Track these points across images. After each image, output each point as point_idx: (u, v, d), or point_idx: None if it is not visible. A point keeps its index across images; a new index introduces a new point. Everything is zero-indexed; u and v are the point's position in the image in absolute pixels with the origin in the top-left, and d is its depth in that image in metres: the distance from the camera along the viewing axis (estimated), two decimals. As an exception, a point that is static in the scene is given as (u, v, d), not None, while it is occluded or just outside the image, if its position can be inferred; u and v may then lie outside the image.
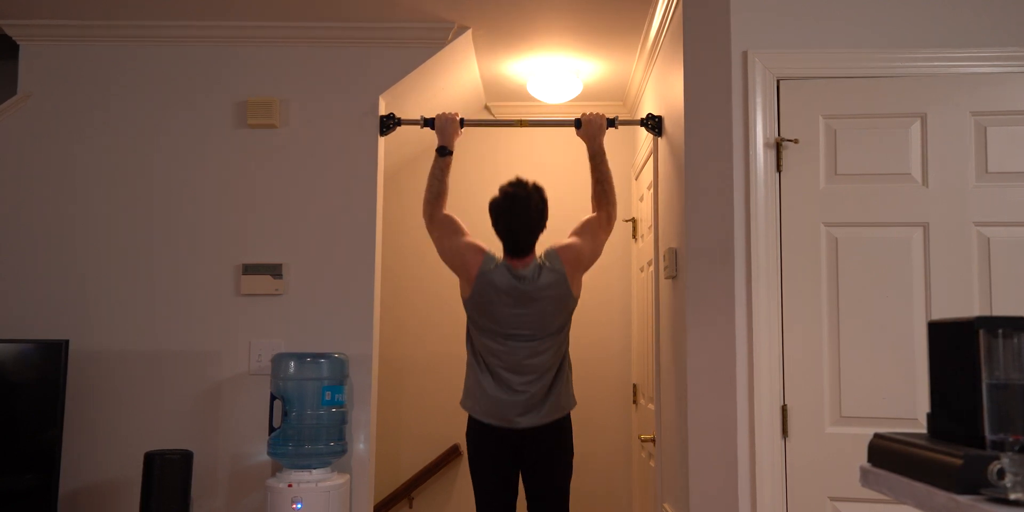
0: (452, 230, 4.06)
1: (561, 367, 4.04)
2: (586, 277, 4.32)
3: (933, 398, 1.72)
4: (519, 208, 3.94)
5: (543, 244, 4.05)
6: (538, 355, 3.95)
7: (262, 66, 4.44)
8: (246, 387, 4.27)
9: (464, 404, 4.08)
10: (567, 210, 4.93)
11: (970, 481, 1.41)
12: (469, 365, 4.09)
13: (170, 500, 3.78)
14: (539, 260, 3.98)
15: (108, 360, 4.27)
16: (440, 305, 5.74)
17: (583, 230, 4.10)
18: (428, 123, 4.23)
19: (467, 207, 4.67)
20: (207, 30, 4.41)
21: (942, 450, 1.52)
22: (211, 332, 4.29)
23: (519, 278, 3.92)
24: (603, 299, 5.76)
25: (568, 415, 4.08)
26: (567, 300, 4.01)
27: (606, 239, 4.13)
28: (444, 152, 4.13)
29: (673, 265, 3.89)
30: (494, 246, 4.03)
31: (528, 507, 4.08)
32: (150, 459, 3.80)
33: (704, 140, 3.56)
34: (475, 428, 4.05)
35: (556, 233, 4.20)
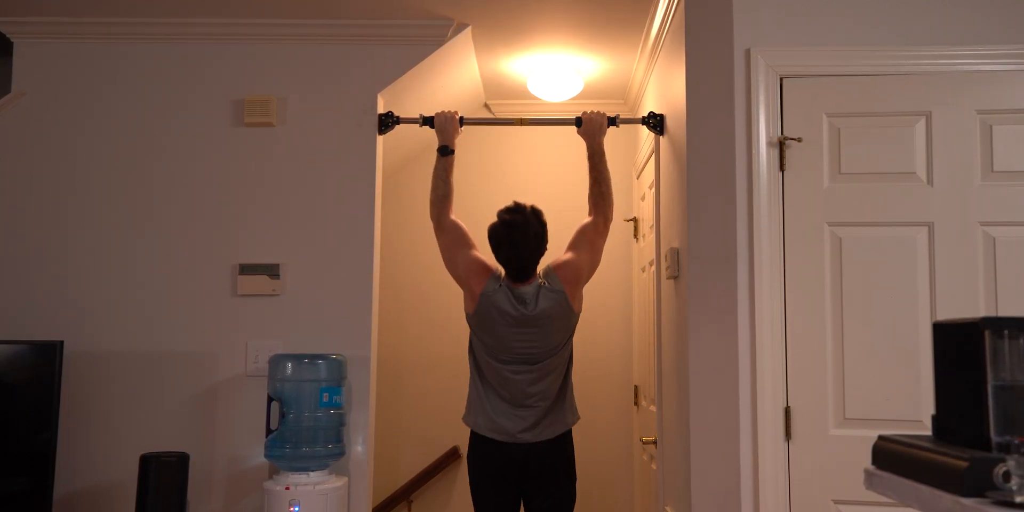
0: (460, 242, 4.04)
1: (564, 382, 4.04)
2: (588, 282, 4.30)
3: (938, 400, 1.71)
4: (518, 236, 3.92)
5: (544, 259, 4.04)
6: (541, 372, 3.94)
7: (259, 64, 4.41)
8: (243, 388, 4.24)
9: (466, 420, 4.06)
10: (567, 210, 4.91)
11: (975, 484, 1.40)
12: (472, 380, 4.07)
13: (166, 503, 3.76)
14: (539, 280, 3.97)
15: (103, 361, 4.25)
16: (439, 306, 5.73)
17: (580, 241, 4.07)
18: (427, 121, 4.21)
19: (467, 207, 4.65)
20: (203, 27, 4.39)
21: (947, 452, 1.51)
22: (208, 333, 4.27)
23: (520, 301, 3.90)
24: (604, 299, 5.73)
25: (570, 435, 4.06)
26: (568, 318, 4.01)
27: (603, 244, 4.11)
28: (446, 152, 4.10)
29: (675, 265, 3.87)
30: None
31: None
32: (146, 461, 3.78)
33: (706, 139, 3.55)
34: (477, 444, 4.02)
35: (557, 234, 4.16)
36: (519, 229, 3.92)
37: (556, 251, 4.10)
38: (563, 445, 4.02)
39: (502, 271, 4.00)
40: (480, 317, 3.95)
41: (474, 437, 4.03)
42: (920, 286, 3.37)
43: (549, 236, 4.03)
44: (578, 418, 4.09)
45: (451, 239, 4.03)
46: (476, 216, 4.31)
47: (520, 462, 3.94)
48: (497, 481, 3.99)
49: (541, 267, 4.02)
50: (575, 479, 4.08)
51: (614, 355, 5.76)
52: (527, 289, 3.92)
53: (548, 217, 4.03)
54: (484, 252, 4.05)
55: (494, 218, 3.98)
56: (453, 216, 4.07)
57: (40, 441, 3.90)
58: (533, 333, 3.91)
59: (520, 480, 3.97)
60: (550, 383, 3.96)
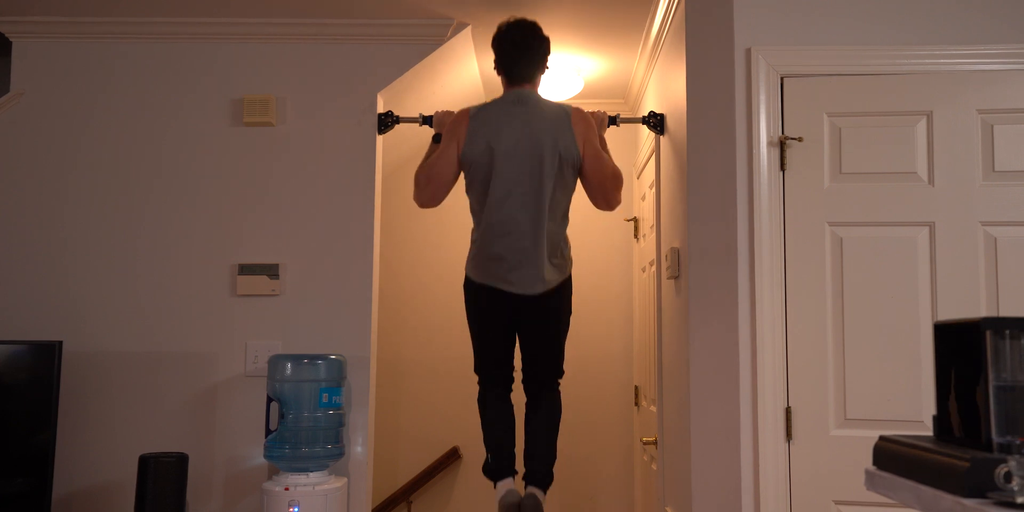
0: (447, 153, 3.94)
1: (560, 223, 3.92)
2: (587, 277, 4.30)
3: (939, 400, 1.71)
4: (527, 27, 3.95)
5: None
6: (530, 198, 3.80)
7: (259, 63, 4.41)
8: (242, 389, 4.24)
9: (467, 267, 4.00)
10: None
11: (977, 484, 1.40)
12: (472, 231, 3.98)
13: (165, 504, 3.75)
14: (546, 100, 3.94)
15: (102, 361, 4.24)
16: (439, 306, 5.72)
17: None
18: (427, 121, 4.20)
19: (466, 206, 4.63)
20: (202, 27, 4.38)
21: (948, 453, 1.50)
22: (207, 333, 4.26)
23: (517, 98, 3.87)
24: (604, 300, 5.72)
25: (568, 278, 3.98)
26: (566, 143, 3.84)
27: (613, 186, 3.96)
28: (439, 139, 4.04)
29: (675, 265, 3.86)
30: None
31: (523, 358, 4.03)
32: (145, 462, 3.77)
33: (707, 138, 3.54)
34: (471, 284, 3.98)
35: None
36: (528, 25, 3.95)
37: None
38: (560, 292, 3.95)
39: None
40: (471, 141, 3.85)
41: (468, 280, 4.00)
42: (921, 286, 3.36)
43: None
44: (571, 262, 4.01)
45: (442, 167, 3.95)
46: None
47: (514, 306, 3.89)
48: (492, 317, 3.96)
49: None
50: (570, 312, 4.03)
51: (614, 355, 5.75)
52: (525, 92, 3.91)
53: (550, 46, 4.04)
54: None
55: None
56: (444, 202, 4.04)
57: (39, 441, 3.89)
58: (528, 137, 3.80)
59: (514, 317, 3.94)
60: (545, 204, 3.80)
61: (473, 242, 3.96)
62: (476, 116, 3.89)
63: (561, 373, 4.05)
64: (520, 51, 3.93)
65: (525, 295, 3.84)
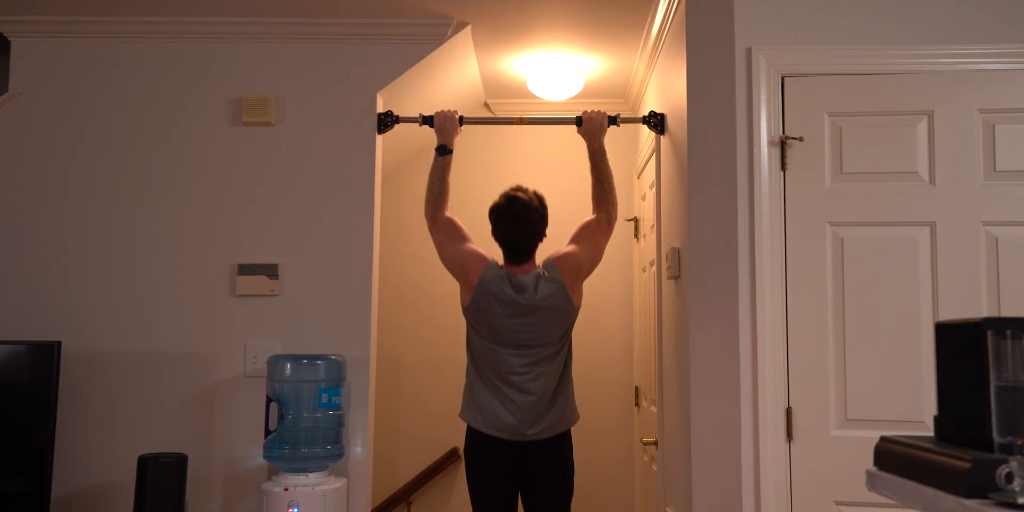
0: (455, 236, 4.02)
1: (563, 378, 4.01)
2: (587, 278, 4.24)
3: (940, 400, 1.70)
4: (520, 210, 3.95)
5: (543, 252, 4.02)
6: (538, 365, 3.91)
7: (258, 63, 4.40)
8: (241, 389, 4.23)
9: (463, 415, 4.03)
10: (567, 209, 4.92)
11: (978, 485, 1.40)
12: (468, 374, 4.05)
13: (164, 504, 3.74)
14: (538, 270, 3.96)
15: (101, 362, 4.23)
16: (439, 306, 5.71)
17: (582, 236, 4.05)
18: (427, 121, 4.20)
19: (466, 206, 4.64)
20: (202, 26, 4.37)
21: (949, 453, 1.50)
22: (206, 333, 4.25)
23: (518, 289, 3.89)
24: (605, 300, 5.72)
25: (569, 432, 4.04)
26: (567, 310, 3.98)
27: (606, 242, 4.08)
28: (444, 151, 4.08)
29: (676, 265, 3.86)
30: (494, 253, 3.99)
31: None
32: (144, 462, 3.76)
33: (707, 138, 3.54)
34: (474, 440, 4.00)
35: (557, 232, 4.17)
36: (521, 204, 3.95)
37: (557, 248, 4.07)
38: (561, 443, 4.00)
39: (499, 260, 3.99)
40: (476, 307, 3.93)
41: (470, 432, 4.01)
42: (922, 286, 3.36)
43: (550, 235, 4.04)
44: (578, 417, 4.07)
45: (446, 234, 4.02)
46: (475, 215, 4.31)
47: (518, 458, 3.93)
48: (496, 476, 3.97)
49: (541, 259, 4.01)
50: (573, 473, 4.06)
51: (615, 355, 5.74)
52: (526, 278, 3.91)
53: (548, 210, 4.05)
54: (481, 246, 4.03)
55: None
56: (448, 213, 4.06)
57: (38, 442, 3.88)
58: (531, 324, 3.88)
59: (518, 475, 3.96)
60: (548, 369, 3.92)
61: (471, 391, 4.04)
62: (483, 286, 3.91)
63: None
64: (517, 231, 3.97)
65: (528, 442, 3.91)
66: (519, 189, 4.02)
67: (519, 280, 3.90)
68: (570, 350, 4.07)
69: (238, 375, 4.23)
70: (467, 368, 4.06)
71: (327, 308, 4.26)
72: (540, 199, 4.02)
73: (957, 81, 3.44)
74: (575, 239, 4.05)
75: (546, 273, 3.93)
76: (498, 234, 3.99)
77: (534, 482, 3.96)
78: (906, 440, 1.68)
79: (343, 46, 4.40)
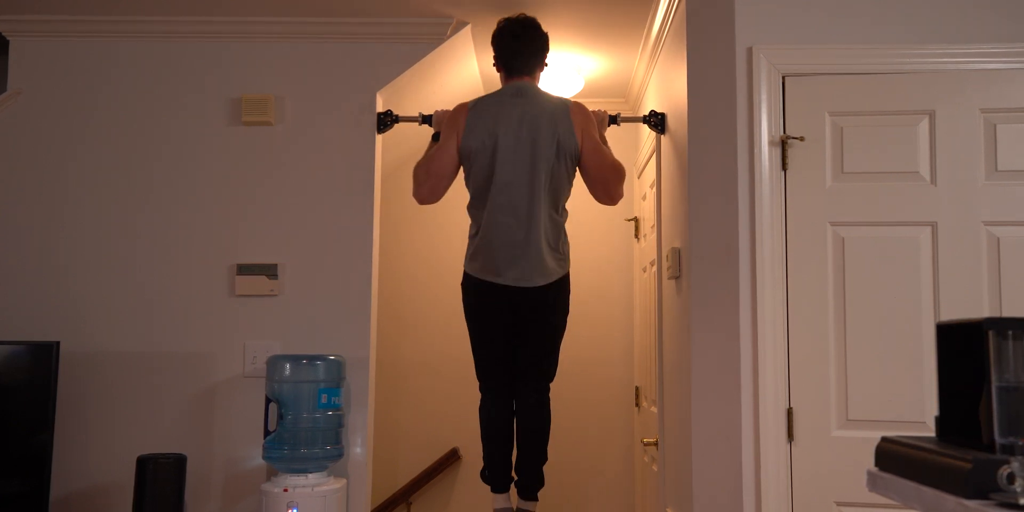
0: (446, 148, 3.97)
1: (559, 212, 3.94)
2: (587, 277, 4.28)
3: (941, 401, 1.69)
4: (524, 23, 4.00)
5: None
6: (527, 191, 3.82)
7: (257, 62, 4.39)
8: (241, 390, 4.22)
9: (465, 263, 4.02)
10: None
11: (979, 485, 1.39)
12: (470, 227, 4.02)
13: (163, 505, 3.74)
14: (545, 94, 3.97)
15: (100, 362, 4.22)
16: (439, 306, 5.70)
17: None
18: (426, 120, 4.19)
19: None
20: (201, 25, 4.37)
21: (951, 454, 1.49)
22: (205, 334, 4.25)
23: (516, 90, 3.90)
24: (605, 300, 5.71)
25: (567, 275, 4.00)
26: (564, 135, 3.86)
27: (615, 178, 3.98)
28: (439, 138, 4.05)
29: (676, 265, 3.85)
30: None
31: (516, 358, 4.03)
32: (143, 463, 3.75)
33: (708, 138, 3.53)
34: (469, 283, 4.00)
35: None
36: (529, 21, 4.01)
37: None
38: (558, 288, 3.96)
39: None
40: (470, 130, 3.88)
41: (467, 277, 4.01)
42: (923, 286, 3.35)
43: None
44: (568, 264, 4.02)
45: (441, 160, 3.98)
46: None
47: (513, 301, 3.90)
48: (491, 314, 3.97)
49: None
50: (567, 312, 4.04)
51: (615, 356, 5.73)
52: (525, 85, 3.94)
53: (548, 44, 4.09)
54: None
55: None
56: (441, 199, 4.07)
57: (36, 442, 3.88)
58: (527, 126, 3.83)
59: (514, 311, 3.94)
60: (542, 197, 3.82)
61: (471, 238, 3.97)
62: (475, 107, 3.93)
63: (552, 377, 4.04)
64: (519, 43, 3.98)
65: (523, 288, 3.85)
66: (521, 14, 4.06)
67: (517, 85, 3.94)
68: (567, 190, 3.96)
69: (237, 375, 4.23)
70: (471, 220, 4.03)
71: (327, 308, 4.26)
72: (539, 24, 4.05)
73: (958, 81, 3.44)
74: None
75: (552, 97, 3.96)
76: (499, 47, 4.01)
77: (527, 316, 3.95)
78: (907, 441, 1.67)
79: (343, 45, 4.40)
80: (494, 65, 4.06)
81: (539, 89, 4.00)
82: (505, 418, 4.01)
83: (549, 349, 4.01)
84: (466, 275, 4.00)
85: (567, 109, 3.89)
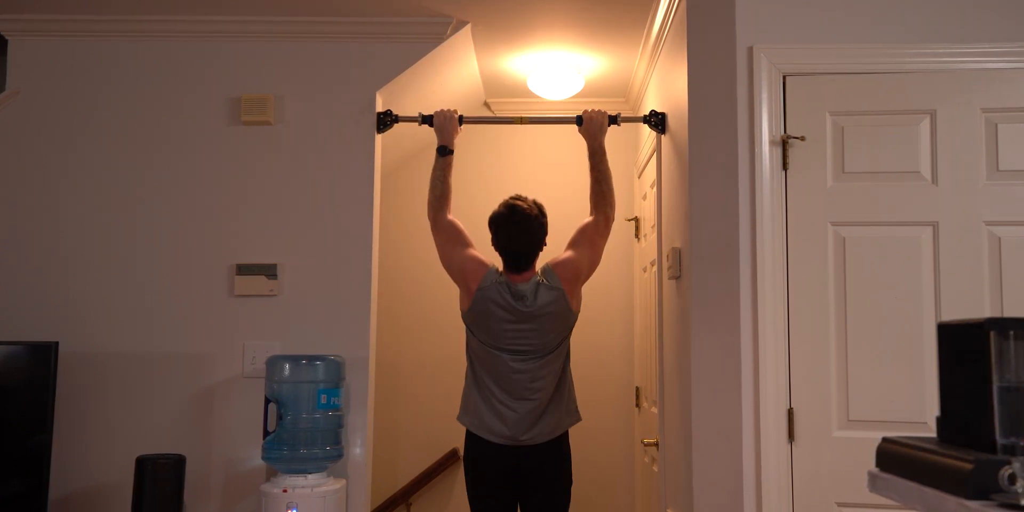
0: (456, 240, 4.02)
1: (562, 380, 4.00)
2: (587, 281, 4.21)
3: (943, 401, 1.69)
4: (519, 218, 3.94)
5: (543, 257, 4.02)
6: (537, 370, 3.91)
7: (256, 62, 4.39)
8: (240, 390, 4.21)
9: (462, 419, 4.03)
10: (567, 208, 4.91)
11: (981, 486, 1.40)
12: (467, 379, 4.06)
13: (162, 505, 3.74)
14: (538, 277, 3.95)
15: (99, 362, 4.22)
16: (439, 306, 5.70)
17: (580, 240, 4.05)
18: (426, 120, 4.19)
19: (465, 206, 4.63)
20: (200, 25, 4.36)
21: (952, 455, 1.50)
22: (204, 334, 4.24)
23: (518, 297, 3.88)
24: (605, 300, 5.71)
25: (567, 435, 4.04)
26: (566, 316, 3.97)
27: (604, 244, 4.08)
28: (445, 152, 4.08)
29: (677, 265, 3.84)
30: (495, 259, 4.00)
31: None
32: (142, 463, 3.76)
33: (708, 137, 3.52)
34: (473, 444, 4.01)
35: (556, 231, 4.14)
36: (521, 213, 3.94)
37: (556, 251, 4.06)
38: (559, 447, 3.99)
39: (499, 267, 3.98)
40: (476, 313, 3.92)
41: (470, 436, 4.01)
42: (925, 286, 3.34)
43: (549, 237, 4.03)
44: (578, 419, 4.06)
45: (448, 237, 4.02)
46: (475, 215, 4.30)
47: (515, 463, 3.92)
48: (493, 481, 3.97)
49: (540, 265, 4.00)
50: (571, 482, 4.05)
51: (615, 356, 5.73)
52: (525, 286, 3.90)
53: (548, 217, 4.04)
54: (482, 251, 4.02)
55: None
56: (451, 216, 4.05)
57: (35, 443, 3.87)
58: (529, 331, 3.87)
59: (516, 480, 3.95)
60: (546, 373, 3.92)
61: (467, 396, 4.04)
62: (482, 293, 3.90)
63: None
64: (517, 241, 3.96)
65: (523, 446, 3.90)
66: (519, 198, 4.01)
67: (518, 288, 3.89)
68: (568, 352, 4.06)
69: (237, 376, 4.22)
70: (466, 373, 4.06)
71: (326, 308, 4.25)
72: (540, 208, 4.02)
73: (960, 80, 3.43)
74: (573, 244, 4.04)
75: (545, 280, 3.92)
76: (498, 243, 3.98)
77: (532, 487, 3.96)
78: (908, 441, 1.67)
79: (342, 45, 4.39)
80: (492, 243, 4.03)
81: (536, 283, 3.93)
82: None
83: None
84: (470, 434, 4.03)
85: (562, 291, 3.92)
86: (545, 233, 4.01)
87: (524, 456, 3.90)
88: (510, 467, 3.92)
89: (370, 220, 4.31)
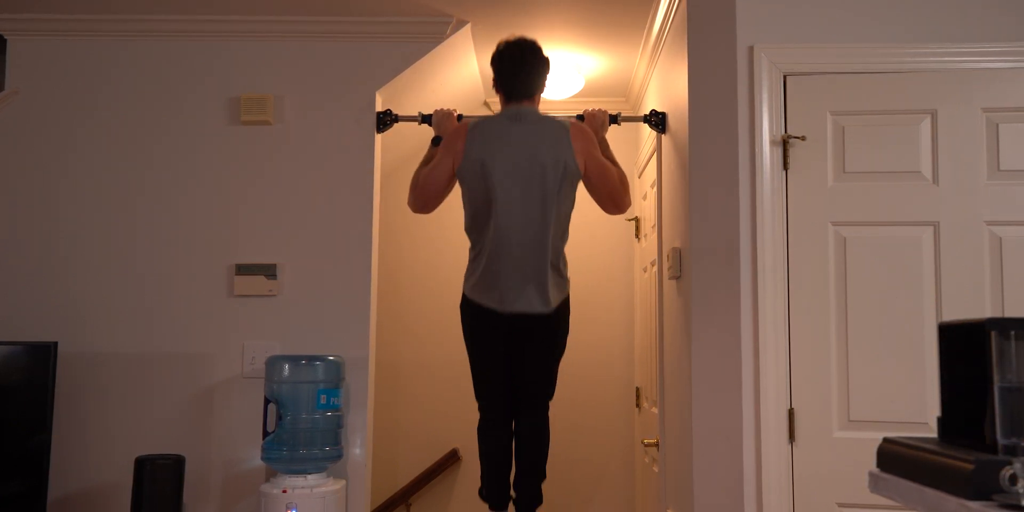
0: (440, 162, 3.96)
1: (562, 238, 3.92)
2: (587, 278, 4.25)
3: (943, 401, 1.70)
4: (527, 46, 3.94)
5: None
6: (534, 216, 3.79)
7: (256, 61, 4.38)
8: (239, 390, 4.21)
9: (464, 287, 3.97)
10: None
11: (981, 486, 1.40)
12: (470, 250, 3.98)
13: (162, 506, 3.73)
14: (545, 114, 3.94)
15: (98, 362, 4.21)
16: (439, 306, 5.69)
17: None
18: (426, 119, 4.19)
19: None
20: (200, 25, 4.36)
21: (953, 455, 1.50)
22: (204, 334, 4.23)
23: (516, 115, 3.87)
24: (605, 300, 5.70)
25: (567, 298, 3.96)
26: (566, 156, 3.83)
27: (621, 196, 3.97)
28: (438, 142, 4.05)
29: (677, 265, 3.84)
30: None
31: (515, 379, 3.98)
32: (141, 464, 3.75)
33: (709, 137, 3.52)
34: (468, 306, 3.95)
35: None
36: (529, 44, 3.94)
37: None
38: (560, 312, 3.92)
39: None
40: (470, 161, 3.83)
41: (467, 302, 3.96)
42: (925, 286, 3.34)
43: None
44: (568, 287, 3.98)
45: (437, 165, 3.96)
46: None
47: (514, 326, 3.86)
48: (490, 336, 3.92)
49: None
50: (568, 333, 4.00)
51: (615, 356, 5.72)
52: (524, 109, 3.90)
53: (549, 66, 4.04)
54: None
55: None
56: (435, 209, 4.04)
57: (34, 443, 3.87)
58: (526, 153, 3.79)
59: (513, 340, 3.91)
60: (543, 221, 3.79)
61: (472, 261, 3.94)
62: (473, 131, 3.88)
63: (551, 396, 4.01)
64: (519, 67, 3.92)
65: (527, 315, 3.81)
66: (521, 37, 4.00)
67: (516, 109, 3.89)
68: (568, 216, 3.93)
69: (236, 376, 4.22)
70: (469, 251, 3.99)
71: (326, 308, 4.24)
72: (541, 49, 3.99)
73: (960, 80, 3.43)
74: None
75: (553, 119, 3.91)
76: (499, 71, 3.96)
77: (529, 341, 3.91)
78: (909, 441, 1.67)
79: (342, 45, 4.39)
80: (493, 86, 4.00)
81: (538, 113, 3.93)
82: (504, 440, 3.98)
83: (550, 371, 3.99)
84: (465, 298, 3.95)
85: (567, 132, 3.86)
86: (548, 69, 3.98)
87: (520, 321, 3.84)
88: (511, 328, 3.86)
89: (370, 220, 4.30)
